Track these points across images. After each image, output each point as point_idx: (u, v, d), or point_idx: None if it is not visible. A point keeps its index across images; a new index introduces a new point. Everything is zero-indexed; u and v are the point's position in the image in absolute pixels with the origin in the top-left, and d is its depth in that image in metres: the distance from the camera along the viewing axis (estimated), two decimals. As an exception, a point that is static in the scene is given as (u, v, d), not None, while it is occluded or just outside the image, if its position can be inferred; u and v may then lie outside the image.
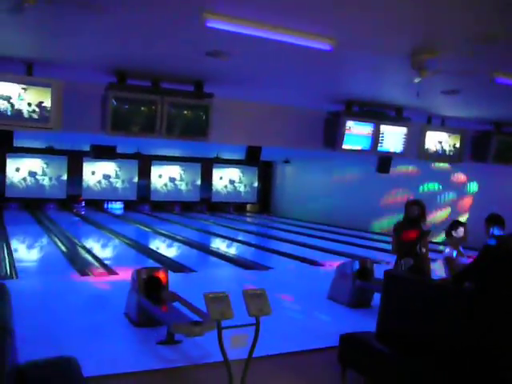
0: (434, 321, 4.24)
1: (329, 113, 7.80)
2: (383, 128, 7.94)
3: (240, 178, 25.03)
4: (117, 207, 23.13)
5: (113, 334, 5.90)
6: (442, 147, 8.85)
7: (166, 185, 23.71)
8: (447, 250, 5.82)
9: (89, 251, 11.39)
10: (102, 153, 14.13)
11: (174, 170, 23.80)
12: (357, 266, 7.57)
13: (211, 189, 24.59)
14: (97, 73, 6.17)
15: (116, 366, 4.84)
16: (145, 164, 23.14)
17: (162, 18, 4.20)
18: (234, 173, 24.86)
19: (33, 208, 20.56)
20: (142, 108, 6.19)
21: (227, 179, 24.89)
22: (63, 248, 11.78)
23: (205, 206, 24.49)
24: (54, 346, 5.15)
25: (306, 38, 4.25)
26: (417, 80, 4.93)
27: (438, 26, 4.31)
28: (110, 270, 9.38)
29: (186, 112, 6.42)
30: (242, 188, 25.13)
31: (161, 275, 6.41)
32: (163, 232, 15.69)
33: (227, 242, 14.77)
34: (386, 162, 11.04)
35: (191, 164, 23.74)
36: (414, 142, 8.54)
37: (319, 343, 5.58)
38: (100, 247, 12.78)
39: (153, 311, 5.77)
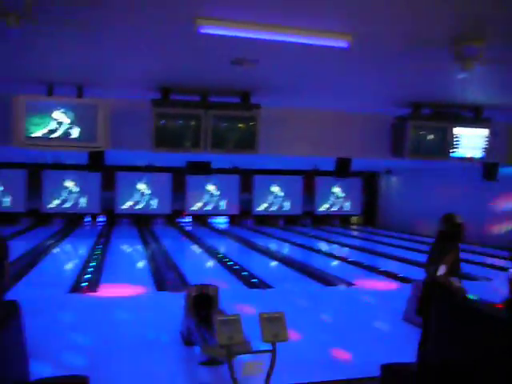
0: (482, 354, 3.59)
1: (395, 117, 7.17)
2: (457, 131, 7.10)
3: (343, 190, 24.27)
4: (221, 221, 23.56)
5: (162, 351, 5.87)
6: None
7: (268, 199, 23.68)
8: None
9: (175, 266, 11.57)
10: (197, 169, 14.57)
11: (276, 183, 23.70)
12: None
13: (314, 201, 24.14)
14: (143, 90, 6.22)
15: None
16: (246, 178, 23.34)
17: (160, 33, 4.08)
18: (337, 184, 24.16)
19: (141, 223, 21.64)
20: (187, 123, 6.11)
21: (330, 191, 24.28)
22: (151, 262, 12.13)
23: (309, 219, 24.11)
24: (106, 359, 5.53)
25: (316, 36, 3.83)
26: (461, 75, 4.26)
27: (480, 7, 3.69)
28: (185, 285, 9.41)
29: (232, 124, 6.22)
30: (345, 200, 24.36)
31: (211, 292, 6.26)
32: (259, 247, 15.62)
33: (320, 256, 14.33)
34: (491, 168, 9.95)
35: (293, 177, 23.49)
36: (502, 145, 7.57)
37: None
38: (189, 263, 12.96)
39: (192, 330, 5.63)
